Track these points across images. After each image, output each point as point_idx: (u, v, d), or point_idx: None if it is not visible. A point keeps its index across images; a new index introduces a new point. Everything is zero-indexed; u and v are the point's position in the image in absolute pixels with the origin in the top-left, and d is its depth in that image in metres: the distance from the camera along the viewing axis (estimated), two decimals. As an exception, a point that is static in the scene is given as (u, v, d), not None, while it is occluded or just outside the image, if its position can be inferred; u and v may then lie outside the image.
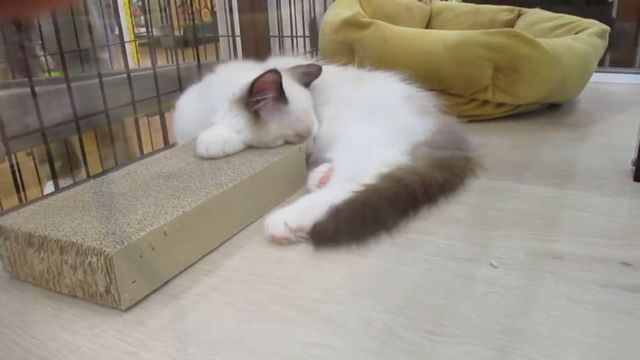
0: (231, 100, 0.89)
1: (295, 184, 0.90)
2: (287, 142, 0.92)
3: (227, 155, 0.88)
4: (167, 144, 1.26)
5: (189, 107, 0.99)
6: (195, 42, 1.45)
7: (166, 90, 1.24)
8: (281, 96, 0.88)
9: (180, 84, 1.26)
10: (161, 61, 1.93)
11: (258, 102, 0.87)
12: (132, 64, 2.06)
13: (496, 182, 0.91)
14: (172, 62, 1.93)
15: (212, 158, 0.87)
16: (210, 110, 0.92)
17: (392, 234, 0.75)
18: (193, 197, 0.71)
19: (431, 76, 1.18)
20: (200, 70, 1.21)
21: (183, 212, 0.67)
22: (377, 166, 0.84)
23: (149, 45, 1.37)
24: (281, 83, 0.86)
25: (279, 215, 0.75)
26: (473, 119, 1.26)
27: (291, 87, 0.92)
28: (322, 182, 0.86)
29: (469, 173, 0.92)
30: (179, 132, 1.02)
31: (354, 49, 1.31)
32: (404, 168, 0.84)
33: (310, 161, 0.97)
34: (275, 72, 0.85)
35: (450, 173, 0.87)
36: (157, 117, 1.28)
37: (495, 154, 1.05)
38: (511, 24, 1.61)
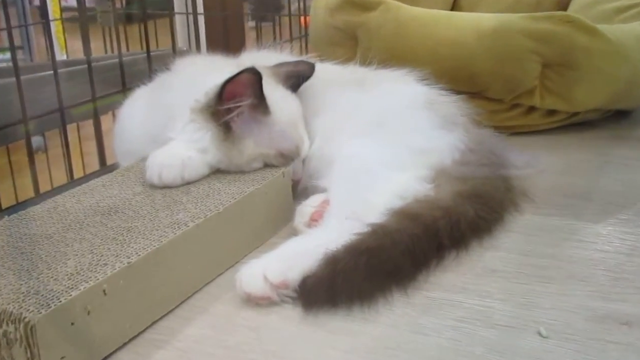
0: (193, 109, 0.91)
1: (278, 221, 0.92)
2: (267, 165, 0.94)
3: (187, 183, 0.89)
4: (105, 165, 1.27)
5: (135, 116, 1.01)
6: (144, 20, 1.46)
7: (105, 91, 1.26)
8: (260, 103, 0.90)
9: (123, 83, 1.27)
10: (97, 45, 1.96)
11: (229, 111, 0.89)
12: (58, 53, 2.09)
13: (546, 219, 0.93)
14: (112, 49, 1.96)
15: (167, 187, 0.88)
16: (164, 121, 0.94)
17: (408, 292, 0.76)
18: (141, 243, 0.73)
19: (460, 75, 1.21)
20: (151, 64, 1.23)
21: (128, 263, 0.69)
22: (388, 198, 0.87)
23: (81, 23, 1.38)
24: (261, 86, 0.88)
25: (256, 266, 0.76)
26: (515, 131, 1.28)
27: (274, 91, 0.95)
28: (314, 220, 0.88)
29: (509, 206, 0.95)
30: (122, 150, 1.04)
31: (356, 37, 1.34)
32: (423, 200, 0.86)
33: (299, 190, 0.99)
34: (253, 71, 0.87)
35: (486, 207, 0.89)
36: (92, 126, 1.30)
37: (544, 179, 1.07)
38: (564, 5, 1.65)
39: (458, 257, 0.83)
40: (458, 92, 1.06)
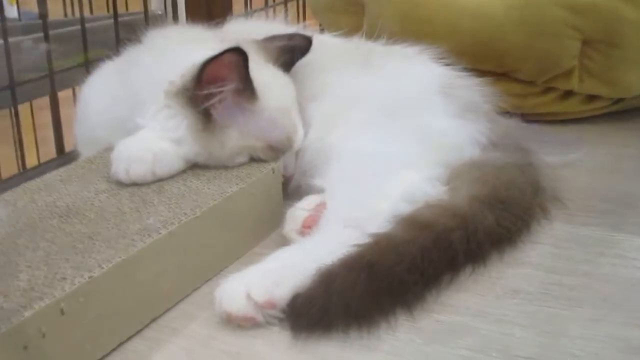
0: (168, 92, 0.93)
1: (265, 226, 0.94)
2: (253, 159, 0.96)
3: (159, 180, 0.91)
4: (63, 153, 1.29)
5: (99, 97, 1.03)
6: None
7: (62, 65, 1.27)
8: (246, 87, 0.92)
9: (86, 56, 1.28)
10: (54, 7, 1.96)
11: (210, 96, 0.90)
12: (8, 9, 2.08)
13: (579, 229, 0.95)
14: (73, 12, 1.95)
15: (136, 184, 0.90)
16: (133, 105, 0.96)
17: (415, 314, 0.78)
18: (105, 253, 0.74)
19: (484, 52, 1.23)
20: (119, 33, 1.24)
21: (90, 277, 0.71)
22: (394, 202, 0.89)
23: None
24: (247, 68, 0.90)
25: (238, 281, 0.78)
26: (548, 119, 1.30)
27: (262, 71, 0.96)
28: (308, 227, 0.90)
29: (537, 213, 0.97)
30: (83, 137, 1.06)
31: (363, 3, 1.35)
32: (435, 206, 0.88)
33: (290, 189, 1.01)
34: (238, 51, 0.88)
35: (509, 214, 0.90)
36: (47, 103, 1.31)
37: (579, 179, 1.09)
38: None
39: (474, 273, 0.85)
40: (481, 73, 1.08)
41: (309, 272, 0.78)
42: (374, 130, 0.97)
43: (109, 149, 0.97)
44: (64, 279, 0.70)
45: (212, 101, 0.91)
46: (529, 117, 1.25)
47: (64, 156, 1.24)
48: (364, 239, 0.82)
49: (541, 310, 0.79)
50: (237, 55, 0.89)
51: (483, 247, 0.86)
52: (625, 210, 1.00)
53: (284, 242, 0.90)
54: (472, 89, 1.06)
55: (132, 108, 0.96)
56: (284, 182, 0.99)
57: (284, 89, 0.99)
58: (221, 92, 0.90)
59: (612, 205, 1.02)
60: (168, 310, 0.80)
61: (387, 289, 0.78)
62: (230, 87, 0.90)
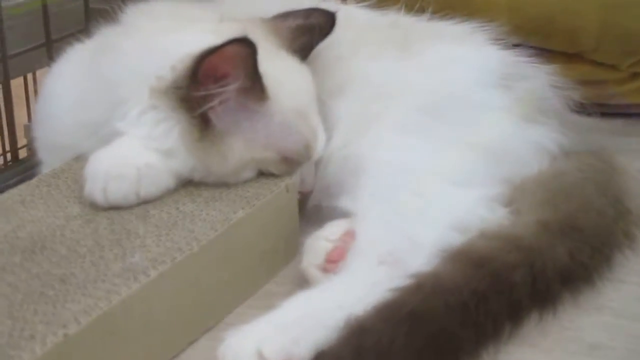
0: (154, 90, 0.96)
1: (278, 258, 0.98)
2: (262, 174, 1.00)
3: (145, 202, 0.95)
4: (17, 160, 1.32)
5: (66, 94, 1.06)
6: None
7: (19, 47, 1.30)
8: (254, 85, 0.94)
9: (48, 34, 1.31)
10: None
11: (208, 98, 0.93)
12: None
13: None
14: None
15: (116, 207, 0.94)
16: (110, 105, 0.99)
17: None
18: (82, 302, 0.77)
19: (553, 28, 1.26)
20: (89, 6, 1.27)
21: (65, 335, 0.73)
22: (442, 231, 0.92)
23: None
24: (255, 62, 0.92)
25: (247, 336, 0.81)
26: (632, 111, 1.34)
27: (274, 62, 0.99)
28: (332, 262, 0.93)
29: (620, 241, 1.00)
30: (45, 143, 1.10)
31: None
32: (494, 235, 0.92)
33: (309, 210, 1.04)
34: (245, 42, 0.90)
35: (586, 246, 0.94)
36: None
37: None
38: None
39: (541, 321, 0.88)
40: (550, 54, 1.11)
41: (335, 323, 0.81)
42: (415, 135, 1.00)
43: (80, 159, 1.01)
44: (33, 337, 0.73)
45: (212, 104, 0.93)
46: (609, 109, 1.27)
47: (17, 164, 1.27)
48: (403, 280, 0.85)
49: (626, 371, 0.82)
50: (244, 46, 0.91)
51: (553, 288, 0.89)
52: None
53: (302, 278, 0.94)
54: (539, 79, 1.09)
55: (108, 109, 0.98)
56: (300, 200, 1.02)
57: (300, 84, 1.02)
58: (223, 92, 0.93)
59: None
60: (159, 370, 0.84)
61: (433, 346, 0.80)
62: (234, 86, 0.93)
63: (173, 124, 0.95)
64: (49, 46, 1.32)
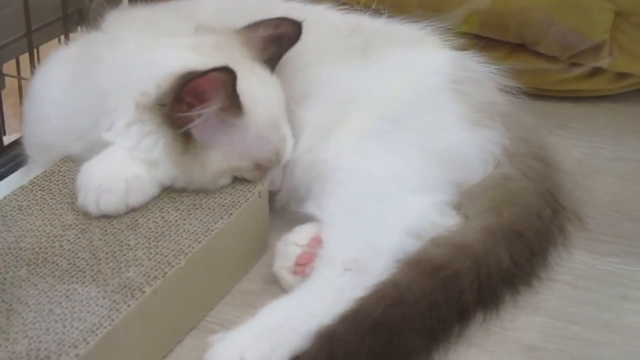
0: (140, 105, 1.02)
1: (250, 256, 1.07)
2: (236, 178, 1.08)
3: (132, 210, 1.03)
4: (2, 146, 1.34)
5: (53, 100, 1.11)
6: None
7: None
8: (232, 104, 1.01)
9: (28, 26, 1.35)
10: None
11: (191, 119, 1.00)
12: None
13: (602, 263, 1.09)
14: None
15: (107, 216, 1.01)
16: (96, 114, 1.05)
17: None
18: (89, 320, 0.85)
19: (503, 21, 1.33)
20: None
21: (77, 355, 0.81)
22: (399, 238, 1.02)
23: None
24: (234, 86, 0.99)
25: (231, 345, 0.91)
26: (572, 96, 1.44)
27: (249, 78, 1.05)
28: (302, 265, 1.02)
29: (555, 238, 1.10)
30: (34, 143, 1.16)
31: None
32: (446, 243, 1.01)
33: (277, 206, 1.13)
34: (225, 70, 0.97)
35: (525, 249, 1.04)
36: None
37: (605, 188, 1.22)
38: None
39: (485, 321, 0.98)
40: (495, 44, 1.22)
41: (307, 329, 0.90)
42: (375, 143, 1.09)
43: (67, 160, 1.08)
44: (49, 357, 0.81)
45: (194, 123, 0.99)
46: (547, 92, 1.38)
47: (4, 152, 1.31)
48: (365, 284, 0.95)
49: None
50: (225, 73, 0.97)
51: (496, 291, 1.00)
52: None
53: (273, 277, 1.04)
54: (487, 81, 1.18)
55: (94, 117, 1.04)
56: (269, 196, 1.10)
57: (272, 97, 1.09)
58: (204, 112, 0.99)
59: (638, 225, 1.16)
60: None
61: (392, 352, 0.91)
62: (215, 107, 0.99)
63: (158, 138, 1.01)
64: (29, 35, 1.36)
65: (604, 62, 1.39)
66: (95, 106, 1.05)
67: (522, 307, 1.02)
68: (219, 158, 1.04)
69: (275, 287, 1.05)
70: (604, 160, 1.31)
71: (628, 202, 1.21)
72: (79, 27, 1.47)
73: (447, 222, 1.05)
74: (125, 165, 1.03)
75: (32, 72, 1.28)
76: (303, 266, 1.03)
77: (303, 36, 1.14)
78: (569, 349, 0.97)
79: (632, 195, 1.22)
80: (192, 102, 0.99)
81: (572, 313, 1.02)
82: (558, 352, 0.96)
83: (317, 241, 1.03)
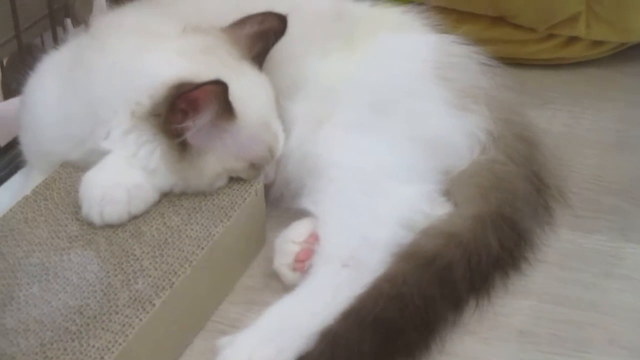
0: (135, 114, 1.04)
1: (249, 252, 1.11)
2: (232, 178, 1.10)
3: (134, 218, 1.06)
4: None
5: (48, 108, 1.13)
6: None
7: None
8: (226, 109, 1.03)
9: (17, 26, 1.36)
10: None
11: (186, 129, 1.02)
12: None
13: (586, 239, 1.13)
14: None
15: (110, 225, 1.04)
16: (92, 123, 1.07)
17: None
18: (103, 337, 0.88)
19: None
20: None
21: None
22: (392, 230, 1.05)
23: None
24: (227, 96, 1.01)
25: (239, 349, 0.94)
26: (550, 64, 1.47)
27: (239, 80, 1.07)
28: (300, 261, 1.06)
29: (541, 219, 1.15)
30: (31, 149, 1.18)
31: None
32: (436, 234, 1.05)
33: (272, 197, 1.16)
34: (218, 83, 0.99)
35: (513, 234, 1.08)
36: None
37: (586, 161, 1.26)
38: None
39: (477, 309, 1.03)
40: (474, 17, 1.25)
41: (310, 329, 0.94)
42: (363, 134, 1.12)
43: (66, 165, 1.10)
44: None
45: (189, 133, 1.02)
46: (526, 61, 1.41)
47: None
48: (363, 280, 0.99)
49: (549, 358, 0.97)
50: (217, 86, 0.99)
51: (487, 279, 1.04)
52: (634, 208, 1.18)
53: (273, 272, 1.07)
54: (470, 64, 1.20)
55: (90, 126, 1.07)
56: (264, 189, 1.13)
57: (262, 97, 1.11)
58: (199, 122, 1.01)
59: (623, 199, 1.19)
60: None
61: (393, 347, 0.95)
62: (209, 116, 1.01)
63: (155, 146, 1.03)
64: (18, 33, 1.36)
65: (580, 31, 1.42)
66: (89, 115, 1.07)
67: (512, 291, 1.06)
68: (215, 162, 1.07)
69: (276, 281, 1.08)
70: (584, 131, 1.34)
71: (608, 174, 1.24)
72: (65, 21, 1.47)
73: (437, 211, 1.09)
74: (125, 174, 1.05)
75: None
76: (302, 262, 1.06)
77: (288, 24, 1.14)
78: (559, 332, 1.01)
79: (612, 166, 1.26)
80: (187, 113, 1.01)
81: (560, 295, 1.06)
82: (548, 336, 1.00)
83: (314, 237, 1.07)
